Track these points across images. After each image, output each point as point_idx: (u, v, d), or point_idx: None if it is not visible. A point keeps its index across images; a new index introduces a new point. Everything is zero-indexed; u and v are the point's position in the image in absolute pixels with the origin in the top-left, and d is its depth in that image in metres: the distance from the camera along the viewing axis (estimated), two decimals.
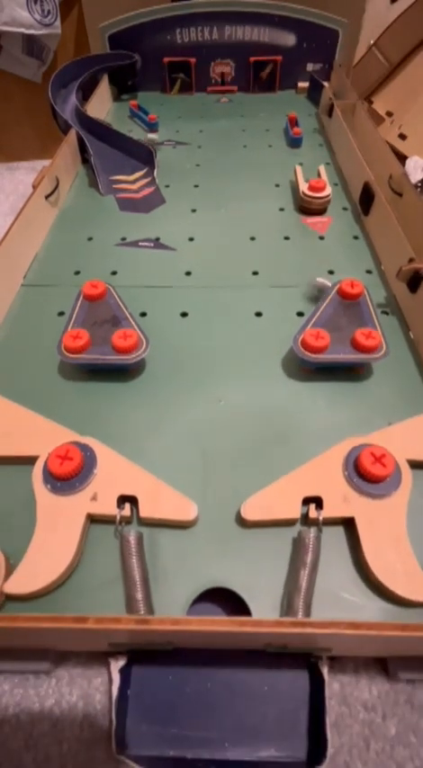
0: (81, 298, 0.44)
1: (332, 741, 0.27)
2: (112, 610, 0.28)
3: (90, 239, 0.57)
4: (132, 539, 0.30)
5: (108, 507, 0.31)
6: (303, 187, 0.60)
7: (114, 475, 0.33)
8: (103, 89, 0.87)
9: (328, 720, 0.27)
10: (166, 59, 0.90)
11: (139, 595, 0.28)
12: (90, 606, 0.28)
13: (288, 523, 0.32)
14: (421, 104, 0.83)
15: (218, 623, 0.24)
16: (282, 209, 0.62)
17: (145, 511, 0.32)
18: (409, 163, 0.78)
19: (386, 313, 0.47)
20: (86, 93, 0.83)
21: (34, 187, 0.57)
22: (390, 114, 0.88)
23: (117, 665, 0.28)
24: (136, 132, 0.81)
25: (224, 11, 0.85)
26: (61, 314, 0.47)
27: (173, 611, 0.28)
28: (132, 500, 0.32)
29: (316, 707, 0.27)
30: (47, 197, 0.59)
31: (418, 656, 0.28)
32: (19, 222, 0.51)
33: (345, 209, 0.62)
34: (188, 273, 0.52)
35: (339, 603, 0.29)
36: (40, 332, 0.45)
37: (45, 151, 0.94)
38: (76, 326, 0.42)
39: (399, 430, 0.35)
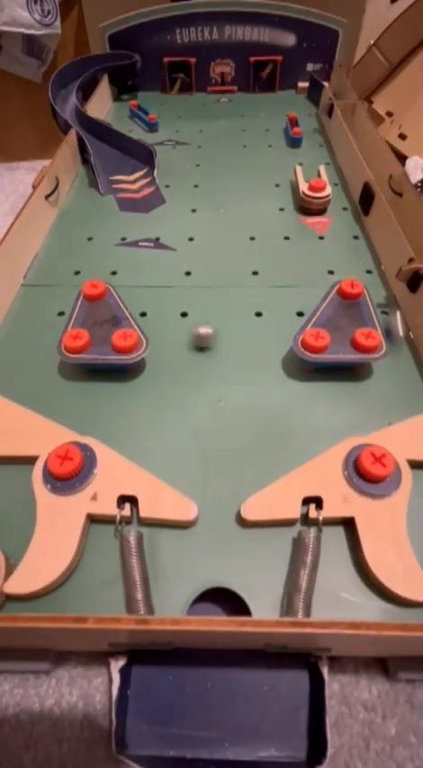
0: (81, 298, 0.44)
1: (332, 741, 0.27)
2: (113, 610, 0.28)
3: (90, 239, 0.57)
4: (132, 539, 0.30)
5: (108, 507, 0.31)
6: (303, 187, 0.60)
7: (114, 475, 0.33)
8: (103, 89, 0.87)
9: (328, 720, 0.27)
10: (166, 59, 0.90)
11: (139, 595, 0.28)
12: (90, 606, 0.28)
13: (288, 523, 0.32)
14: (421, 104, 0.83)
15: (217, 623, 0.24)
16: (282, 209, 0.62)
17: (145, 511, 0.32)
18: (409, 163, 0.78)
19: (386, 313, 0.47)
20: (86, 93, 0.83)
21: (34, 187, 0.57)
22: (390, 114, 0.88)
23: (117, 664, 0.28)
24: (136, 132, 0.81)
25: (224, 11, 0.85)
26: (61, 314, 0.47)
27: (173, 611, 0.28)
28: (132, 500, 0.32)
29: (316, 707, 0.27)
30: (47, 197, 0.59)
31: (417, 656, 0.28)
32: (19, 222, 0.51)
33: (345, 209, 0.62)
34: (188, 273, 0.52)
35: (339, 603, 0.29)
36: (40, 332, 0.45)
37: (45, 151, 0.93)
38: (76, 326, 0.42)
39: (399, 430, 0.35)
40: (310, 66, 0.91)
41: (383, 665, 0.29)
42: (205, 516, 0.32)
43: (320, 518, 0.31)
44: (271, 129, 0.81)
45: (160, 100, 0.92)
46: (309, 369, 0.41)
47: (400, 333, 0.42)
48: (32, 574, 0.28)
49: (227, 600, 0.29)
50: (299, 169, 0.63)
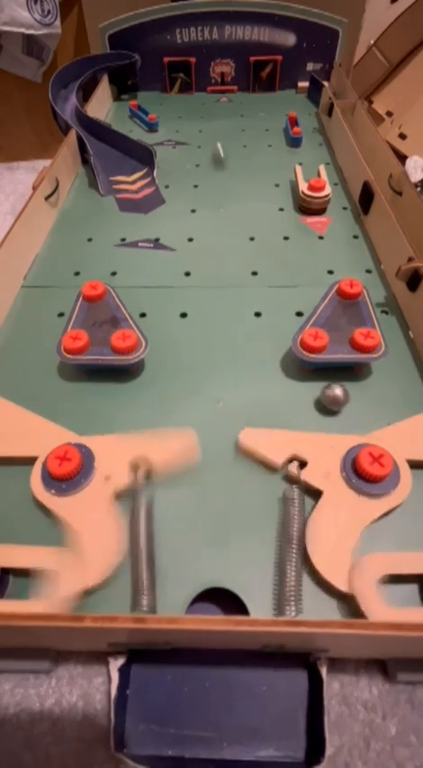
0: (80, 299, 0.44)
1: (332, 741, 0.27)
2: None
3: (90, 240, 0.57)
4: (144, 500, 0.32)
5: (124, 479, 0.33)
6: (303, 187, 0.60)
7: (115, 453, 0.34)
8: (103, 89, 0.87)
9: (328, 720, 0.27)
10: (166, 59, 0.90)
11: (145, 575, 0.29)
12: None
13: (270, 467, 0.34)
14: (421, 104, 0.83)
15: (213, 623, 0.24)
16: (281, 209, 0.62)
17: (158, 459, 0.34)
18: (409, 163, 0.78)
19: (386, 312, 0.47)
20: (86, 93, 0.83)
21: (34, 189, 0.57)
22: (390, 114, 0.88)
23: (116, 664, 0.28)
24: (136, 132, 0.81)
25: (224, 11, 0.85)
26: (61, 315, 0.47)
27: (172, 611, 0.28)
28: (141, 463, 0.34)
29: (314, 707, 0.27)
30: (47, 198, 0.59)
31: (416, 658, 0.28)
32: (19, 224, 0.51)
33: (344, 208, 0.62)
34: (187, 274, 0.52)
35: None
36: (41, 333, 0.45)
37: (45, 151, 0.94)
38: (76, 327, 0.42)
39: (398, 429, 0.35)
40: (310, 66, 0.91)
41: (383, 667, 0.29)
42: (204, 516, 0.32)
43: (302, 477, 0.32)
44: (271, 128, 0.81)
45: (160, 100, 0.92)
46: (308, 369, 0.41)
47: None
48: (99, 560, 0.29)
49: (226, 601, 0.29)
50: (298, 169, 0.63)
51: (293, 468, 0.33)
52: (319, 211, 0.60)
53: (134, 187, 0.67)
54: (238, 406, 0.39)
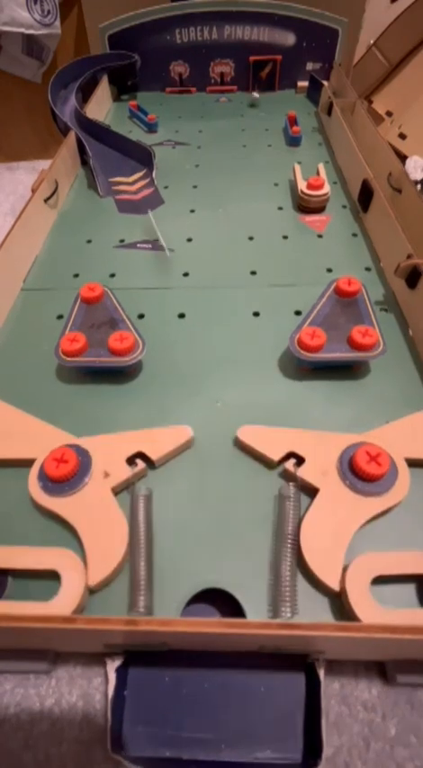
0: (79, 301, 0.44)
1: (332, 741, 0.27)
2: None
3: (89, 242, 0.58)
4: (142, 495, 0.32)
5: (122, 474, 0.33)
6: (302, 185, 0.60)
7: (111, 449, 0.34)
8: (103, 89, 0.87)
9: (328, 720, 0.27)
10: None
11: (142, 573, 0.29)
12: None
13: (267, 463, 0.34)
14: (421, 104, 0.83)
15: (206, 625, 0.24)
16: (280, 208, 0.61)
17: (154, 454, 0.34)
18: (409, 162, 0.78)
19: (385, 310, 0.47)
20: (86, 93, 0.83)
21: (33, 191, 0.57)
22: (390, 114, 0.88)
23: (113, 665, 0.28)
24: (135, 133, 0.81)
25: (224, 11, 0.85)
26: (60, 317, 0.47)
27: (168, 612, 0.28)
28: (138, 457, 0.34)
29: (312, 708, 0.27)
30: (46, 200, 0.59)
31: (415, 660, 0.28)
32: (18, 226, 0.51)
33: (344, 206, 0.62)
34: (186, 274, 0.52)
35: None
36: (40, 335, 0.45)
37: (45, 151, 0.94)
38: (74, 330, 0.42)
39: (396, 428, 0.35)
40: (309, 66, 0.91)
41: (382, 668, 0.29)
42: (202, 517, 0.32)
43: (298, 473, 0.32)
44: (270, 128, 0.81)
45: (160, 100, 0.92)
46: (306, 368, 0.41)
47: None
48: (102, 559, 0.29)
49: (223, 602, 0.29)
50: (298, 168, 0.63)
51: (290, 465, 0.33)
52: (318, 210, 0.60)
53: (133, 188, 0.67)
54: (237, 406, 0.39)
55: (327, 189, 0.59)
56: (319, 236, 0.57)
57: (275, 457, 0.34)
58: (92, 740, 0.27)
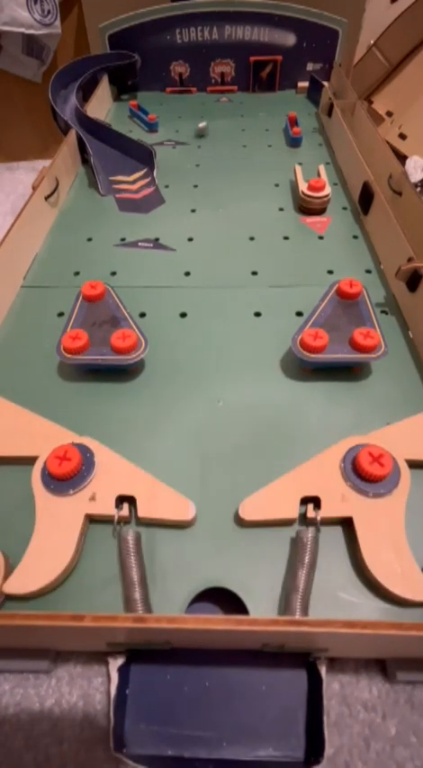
0: (80, 298, 0.44)
1: (332, 741, 0.27)
2: (111, 610, 0.28)
3: (90, 240, 0.58)
4: (130, 538, 0.30)
5: (107, 507, 0.31)
6: (303, 187, 0.60)
7: (113, 475, 0.33)
8: (103, 89, 0.87)
9: (328, 720, 0.27)
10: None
11: (137, 595, 0.28)
12: (89, 606, 0.29)
13: (286, 523, 0.32)
14: (421, 104, 0.83)
15: (213, 622, 0.24)
16: (281, 209, 0.62)
17: (143, 511, 0.32)
18: (409, 163, 0.78)
19: (385, 312, 0.47)
20: (86, 93, 0.83)
21: (34, 188, 0.57)
22: (390, 114, 0.88)
23: (115, 663, 0.28)
24: (136, 132, 0.81)
25: (224, 11, 0.85)
26: (61, 314, 0.47)
27: (171, 610, 0.28)
28: (130, 500, 0.32)
29: (314, 706, 0.27)
30: (47, 198, 0.59)
31: (416, 658, 0.28)
32: (19, 223, 0.51)
33: (344, 208, 0.62)
34: (187, 274, 0.52)
35: (338, 604, 0.29)
36: (40, 333, 0.45)
37: (45, 151, 0.94)
38: (76, 327, 0.42)
39: (397, 429, 0.35)
40: (309, 66, 0.91)
41: (383, 666, 0.29)
42: (203, 516, 0.32)
43: (318, 518, 0.31)
44: (271, 128, 0.81)
45: (160, 100, 0.92)
46: (308, 369, 0.41)
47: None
48: (31, 574, 0.29)
49: (226, 600, 0.29)
50: (298, 169, 0.63)
51: (311, 512, 0.31)
52: (319, 211, 0.60)
53: (134, 187, 0.67)
54: (238, 406, 0.39)
55: (327, 190, 0.59)
56: (320, 237, 0.57)
57: (292, 515, 0.31)
58: (92, 740, 0.27)
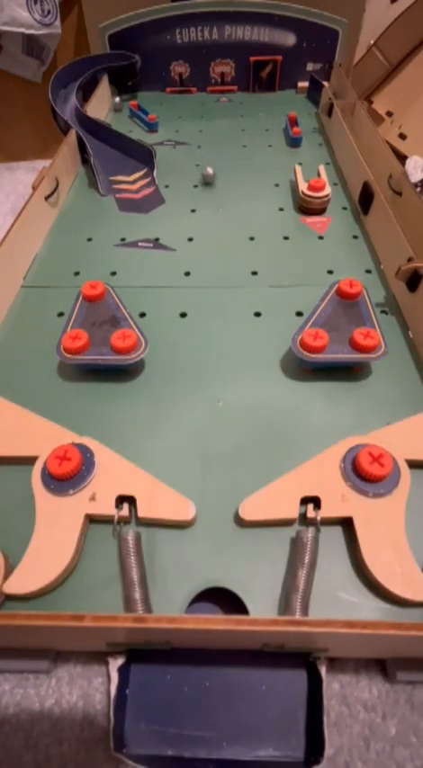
0: (80, 298, 0.44)
1: (332, 741, 0.27)
2: (111, 610, 0.28)
3: (89, 240, 0.58)
4: (130, 539, 0.30)
5: (106, 507, 0.31)
6: (303, 187, 0.60)
7: (113, 475, 0.33)
8: (103, 89, 0.87)
9: (328, 720, 0.27)
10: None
11: (137, 595, 0.28)
12: (88, 606, 0.29)
13: (286, 523, 0.32)
14: (421, 104, 0.83)
15: (214, 622, 0.24)
16: (281, 209, 0.62)
17: (143, 511, 0.32)
18: (409, 163, 0.78)
19: (385, 312, 0.47)
20: (86, 93, 0.83)
21: (34, 188, 0.57)
22: (390, 114, 0.88)
23: (115, 663, 0.28)
24: (136, 132, 0.81)
25: (224, 11, 0.85)
26: (61, 314, 0.47)
27: (171, 610, 0.28)
28: (131, 500, 0.32)
29: (314, 706, 0.27)
30: (47, 198, 0.59)
31: (416, 658, 0.28)
32: (19, 223, 0.51)
33: (344, 208, 0.62)
34: (187, 274, 0.52)
35: (338, 604, 0.29)
36: (40, 333, 0.45)
37: (45, 151, 0.94)
38: (76, 327, 0.42)
39: (397, 429, 0.35)
40: (309, 66, 0.91)
41: (383, 666, 0.29)
42: (204, 516, 0.32)
43: (318, 518, 0.31)
44: (271, 128, 0.81)
45: (160, 100, 0.92)
46: (308, 369, 0.41)
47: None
48: (31, 574, 0.29)
49: (226, 600, 0.29)
50: (298, 169, 0.63)
51: (311, 512, 0.31)
52: (319, 211, 0.60)
53: (134, 187, 0.67)
54: (238, 406, 0.39)
55: (328, 191, 0.59)
56: (320, 237, 0.57)
57: (292, 515, 0.31)
58: (93, 740, 0.27)
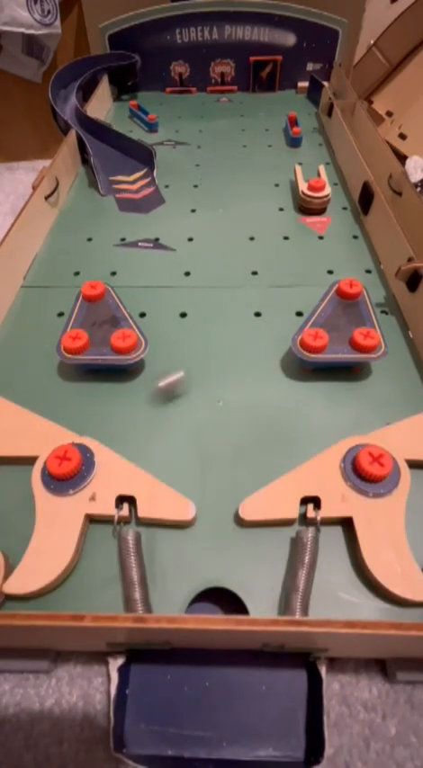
0: (80, 298, 0.44)
1: (332, 741, 0.27)
2: (111, 610, 0.28)
3: (90, 240, 0.58)
4: (130, 538, 0.30)
5: (106, 507, 0.31)
6: (303, 187, 0.60)
7: (113, 475, 0.33)
8: (103, 89, 0.87)
9: (328, 720, 0.27)
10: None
11: (137, 595, 0.28)
12: (89, 606, 0.29)
13: (286, 523, 0.32)
14: (421, 104, 0.83)
15: (214, 622, 0.24)
16: (281, 209, 0.62)
17: (143, 511, 0.32)
18: (409, 163, 0.78)
19: (385, 312, 0.47)
20: (86, 93, 0.83)
21: (34, 188, 0.57)
22: (390, 114, 0.88)
23: (115, 663, 0.28)
24: (136, 132, 0.81)
25: (224, 11, 0.85)
26: (61, 314, 0.47)
27: (171, 610, 0.28)
28: (131, 500, 0.32)
29: (314, 706, 0.27)
30: (47, 198, 0.59)
31: (415, 658, 0.28)
32: (19, 223, 0.51)
33: (344, 208, 0.62)
34: (187, 274, 0.52)
35: (338, 604, 0.29)
36: (40, 333, 0.45)
37: (45, 151, 0.94)
38: (76, 327, 0.42)
39: (397, 429, 0.35)
40: (309, 66, 0.91)
41: (383, 666, 0.29)
42: (204, 516, 0.32)
43: (318, 518, 0.31)
44: (271, 128, 0.81)
45: (160, 100, 0.92)
46: (308, 369, 0.41)
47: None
48: (31, 574, 0.29)
49: (226, 600, 0.29)
50: (298, 169, 0.63)
51: (311, 512, 0.31)
52: (319, 211, 0.60)
53: (134, 187, 0.67)
54: (238, 406, 0.39)
55: (328, 191, 0.59)
56: (320, 237, 0.57)
57: (292, 515, 0.31)
58: (93, 740, 0.27)
